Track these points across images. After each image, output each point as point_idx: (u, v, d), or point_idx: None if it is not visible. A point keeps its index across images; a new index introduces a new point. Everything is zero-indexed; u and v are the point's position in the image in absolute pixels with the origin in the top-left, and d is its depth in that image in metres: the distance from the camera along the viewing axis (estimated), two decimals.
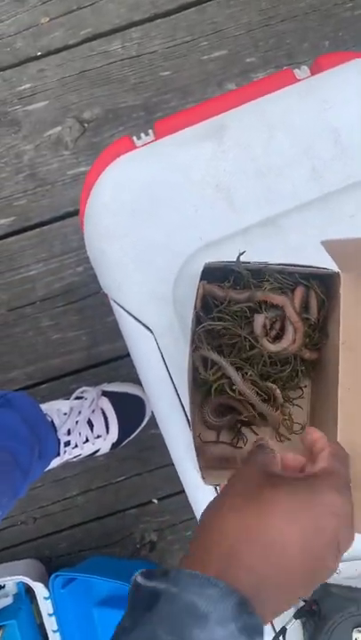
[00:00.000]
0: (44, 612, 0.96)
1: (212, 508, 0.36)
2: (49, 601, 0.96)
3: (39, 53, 1.09)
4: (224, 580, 0.30)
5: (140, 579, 0.32)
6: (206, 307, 0.53)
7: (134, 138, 0.61)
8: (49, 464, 0.99)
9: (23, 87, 1.09)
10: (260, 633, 0.31)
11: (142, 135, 0.62)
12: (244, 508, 0.34)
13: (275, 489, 0.35)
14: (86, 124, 1.10)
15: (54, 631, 0.96)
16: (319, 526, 0.34)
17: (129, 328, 0.58)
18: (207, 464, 0.57)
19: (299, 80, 0.60)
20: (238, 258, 0.49)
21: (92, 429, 1.03)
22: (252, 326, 0.51)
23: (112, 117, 1.09)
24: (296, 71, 0.62)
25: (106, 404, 1.05)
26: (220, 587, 0.30)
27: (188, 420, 0.58)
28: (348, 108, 0.55)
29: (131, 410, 1.07)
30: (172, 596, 0.30)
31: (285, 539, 0.33)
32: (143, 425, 1.08)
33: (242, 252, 0.48)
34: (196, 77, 1.09)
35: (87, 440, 1.02)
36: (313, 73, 0.61)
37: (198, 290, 0.50)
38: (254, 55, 1.09)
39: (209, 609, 0.29)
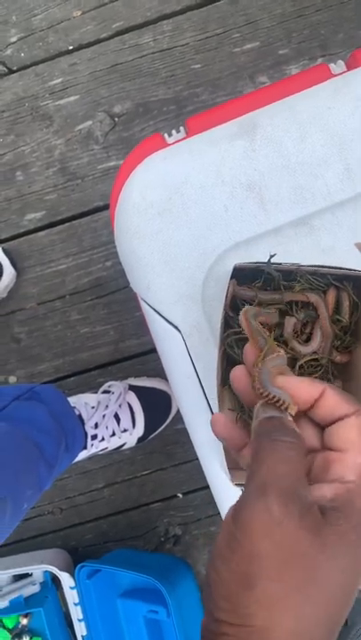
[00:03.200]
0: (70, 602, 0.98)
1: (239, 598, 0.24)
2: (74, 591, 0.98)
3: (71, 47, 1.09)
4: None
5: None
6: (235, 307, 0.52)
7: (165, 135, 0.61)
8: (76, 457, 1.00)
9: (55, 82, 1.09)
10: None
11: (173, 132, 0.61)
12: (301, 606, 0.24)
13: (330, 562, 0.24)
14: (117, 119, 1.09)
15: (80, 620, 0.98)
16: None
17: (157, 327, 0.58)
18: (234, 464, 0.57)
19: (334, 75, 0.59)
20: (269, 259, 0.48)
21: (118, 423, 1.04)
22: (283, 328, 0.50)
23: (142, 111, 1.09)
24: (332, 66, 0.60)
25: (133, 399, 1.06)
26: None
27: None
28: None
29: (157, 405, 1.08)
30: None
31: (340, 621, 0.25)
32: (169, 420, 1.08)
33: (273, 254, 0.48)
34: (228, 70, 1.08)
35: (114, 434, 1.03)
36: (349, 67, 0.60)
37: (228, 290, 0.50)
38: (287, 47, 1.07)
39: None
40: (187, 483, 1.14)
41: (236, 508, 0.25)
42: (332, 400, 0.29)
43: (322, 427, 0.30)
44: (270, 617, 0.24)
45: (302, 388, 0.29)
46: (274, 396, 0.29)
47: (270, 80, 1.08)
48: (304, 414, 0.31)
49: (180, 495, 1.14)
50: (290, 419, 0.28)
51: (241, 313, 0.37)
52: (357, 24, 1.06)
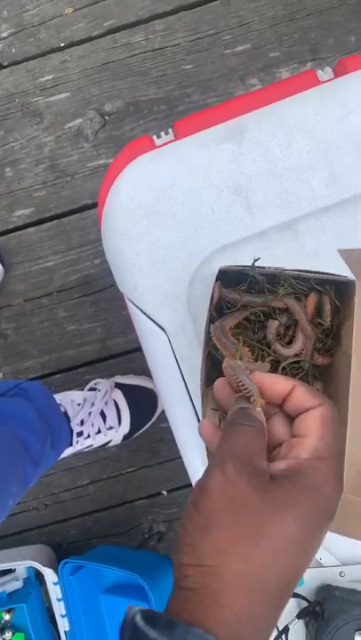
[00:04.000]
0: (53, 597, 0.98)
1: (195, 539, 0.29)
2: (58, 586, 0.99)
3: (62, 44, 1.09)
4: None
5: (139, 620, 0.28)
6: (220, 309, 0.53)
7: (154, 137, 0.61)
8: (61, 454, 1.00)
9: (45, 78, 1.09)
10: None
11: (162, 134, 0.62)
12: (250, 554, 0.28)
13: (280, 518, 0.28)
14: (107, 117, 1.10)
15: (62, 616, 0.99)
16: (321, 537, 0.30)
17: (143, 327, 0.58)
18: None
19: (321, 82, 0.60)
20: (253, 263, 0.49)
21: (104, 421, 1.04)
22: (266, 331, 0.51)
23: (133, 110, 1.09)
24: (319, 72, 0.61)
25: (119, 396, 1.07)
26: None
27: (198, 418, 0.58)
28: None
29: (143, 402, 1.08)
30: None
31: (292, 577, 0.29)
32: (155, 418, 1.09)
33: (257, 258, 0.49)
34: (219, 72, 1.08)
35: (99, 431, 1.04)
36: (337, 74, 0.61)
37: (213, 292, 0.51)
38: (278, 50, 1.08)
39: None
40: (171, 480, 1.15)
41: (202, 477, 0.31)
42: (300, 394, 0.34)
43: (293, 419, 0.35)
44: (222, 558, 0.28)
45: (276, 384, 0.35)
46: (243, 384, 0.34)
47: (261, 82, 1.08)
48: (280, 409, 0.36)
49: (165, 492, 1.15)
50: (258, 409, 0.34)
51: (212, 332, 0.40)
52: (347, 29, 1.08)
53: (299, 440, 0.32)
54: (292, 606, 0.59)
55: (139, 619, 0.28)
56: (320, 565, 0.58)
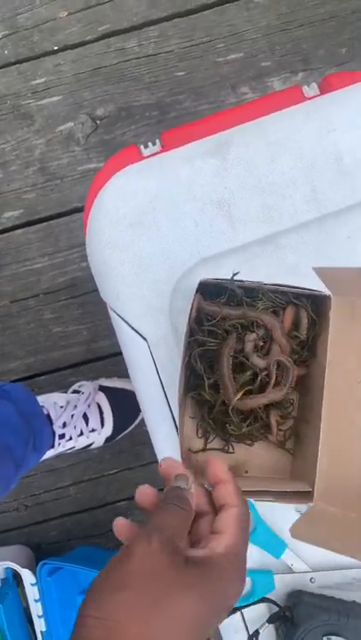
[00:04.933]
0: (30, 598, 0.99)
1: (106, 596, 0.31)
2: (35, 587, 0.99)
3: (56, 48, 1.10)
4: None
5: None
6: (200, 321, 0.54)
7: (141, 147, 0.62)
8: (43, 455, 1.01)
9: (38, 81, 1.10)
10: None
11: (150, 144, 0.63)
12: (150, 619, 0.31)
13: (185, 595, 0.32)
14: (99, 121, 1.10)
15: (39, 616, 0.99)
16: (216, 619, 0.34)
17: (125, 336, 0.59)
18: (195, 472, 0.59)
19: (307, 98, 0.61)
20: (232, 277, 0.50)
21: (87, 423, 1.05)
22: (243, 343, 0.52)
23: (125, 115, 1.10)
24: (305, 88, 0.62)
25: (102, 399, 1.07)
26: None
27: (176, 426, 0.59)
28: (353, 132, 0.56)
29: (126, 406, 1.09)
30: None
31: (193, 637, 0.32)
32: (138, 420, 1.10)
33: (236, 272, 0.50)
34: (211, 79, 1.09)
35: (82, 433, 1.05)
36: (322, 91, 0.62)
37: (193, 304, 0.52)
38: (270, 59, 1.09)
39: None
40: (154, 483, 1.15)
41: (131, 541, 0.34)
42: (229, 489, 0.39)
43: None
44: (124, 617, 0.31)
45: (217, 467, 0.40)
46: (184, 474, 0.40)
47: (252, 91, 1.10)
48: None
49: None
50: (192, 491, 0.38)
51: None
52: (338, 41, 1.09)
53: (217, 536, 0.37)
54: (262, 611, 0.60)
55: None
56: (291, 571, 0.60)
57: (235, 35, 1.09)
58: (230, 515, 0.37)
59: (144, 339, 0.58)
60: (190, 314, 0.51)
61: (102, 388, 1.09)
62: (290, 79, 1.11)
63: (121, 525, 0.38)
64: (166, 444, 0.59)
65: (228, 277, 0.51)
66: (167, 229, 0.56)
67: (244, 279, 0.51)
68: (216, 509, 0.39)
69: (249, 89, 1.10)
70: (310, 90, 0.62)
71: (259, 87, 1.10)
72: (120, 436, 1.10)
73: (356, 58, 1.10)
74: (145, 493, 0.39)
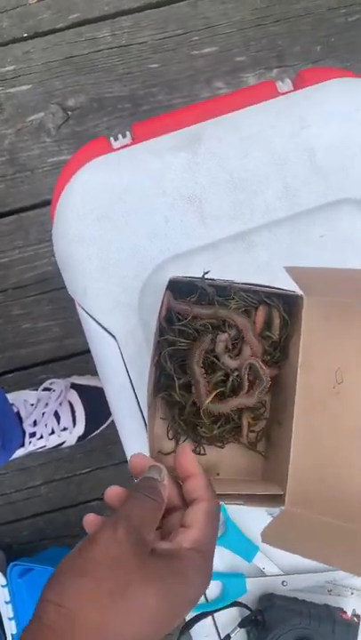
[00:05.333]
0: (1, 600, 0.96)
1: (67, 581, 0.31)
2: (6, 589, 0.97)
3: (25, 35, 1.06)
4: None
5: None
6: (171, 320, 0.53)
7: (111, 139, 0.60)
8: (12, 454, 0.98)
9: (7, 69, 1.06)
10: None
11: (120, 136, 0.61)
12: (109, 607, 0.30)
13: (146, 587, 0.31)
14: (70, 112, 1.08)
15: (10, 618, 0.97)
16: (178, 614, 0.33)
17: (93, 333, 0.57)
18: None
19: (280, 94, 0.60)
20: (203, 276, 0.48)
21: (58, 422, 1.03)
22: (215, 343, 0.51)
23: (97, 107, 1.08)
24: (279, 84, 0.61)
25: (74, 397, 1.05)
26: None
27: (145, 425, 0.58)
28: (326, 128, 0.55)
29: (99, 404, 1.07)
30: None
31: (152, 632, 0.32)
32: (111, 419, 1.08)
33: (206, 271, 0.48)
34: (185, 72, 1.07)
35: (53, 432, 1.02)
36: (296, 87, 0.61)
37: (162, 301, 0.50)
38: (245, 54, 1.08)
39: None
40: (126, 482, 1.14)
41: (96, 529, 0.34)
42: (198, 483, 0.38)
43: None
44: (82, 605, 0.30)
45: (187, 463, 0.39)
46: (158, 466, 0.39)
47: (227, 86, 1.08)
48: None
49: None
50: (165, 483, 0.38)
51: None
52: (314, 38, 1.08)
53: (185, 530, 0.36)
54: (234, 615, 0.59)
55: None
56: (263, 575, 0.59)
57: (209, 28, 1.08)
58: (199, 509, 0.37)
59: (112, 336, 0.56)
60: (160, 312, 0.50)
61: (74, 386, 1.07)
62: (265, 75, 1.09)
63: (90, 521, 0.36)
64: (136, 444, 0.58)
65: (199, 275, 0.50)
66: (136, 224, 0.55)
67: (215, 277, 0.50)
68: (187, 504, 0.38)
69: (224, 84, 1.09)
70: (284, 85, 0.61)
71: (233, 82, 1.09)
72: (92, 435, 1.08)
73: (331, 55, 1.10)
74: (115, 493, 0.38)
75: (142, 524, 0.34)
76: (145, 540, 0.33)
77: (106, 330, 0.57)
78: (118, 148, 0.58)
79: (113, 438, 1.12)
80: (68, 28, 1.06)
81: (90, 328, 0.57)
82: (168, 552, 0.34)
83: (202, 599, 0.59)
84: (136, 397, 0.58)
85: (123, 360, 0.57)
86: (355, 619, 0.57)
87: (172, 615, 0.32)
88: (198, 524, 0.36)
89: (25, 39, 1.06)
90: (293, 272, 0.46)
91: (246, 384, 0.52)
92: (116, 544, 0.32)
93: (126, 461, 1.15)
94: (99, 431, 1.08)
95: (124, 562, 0.32)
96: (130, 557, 0.32)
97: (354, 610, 0.57)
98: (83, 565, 0.31)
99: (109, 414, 1.08)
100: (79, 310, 0.58)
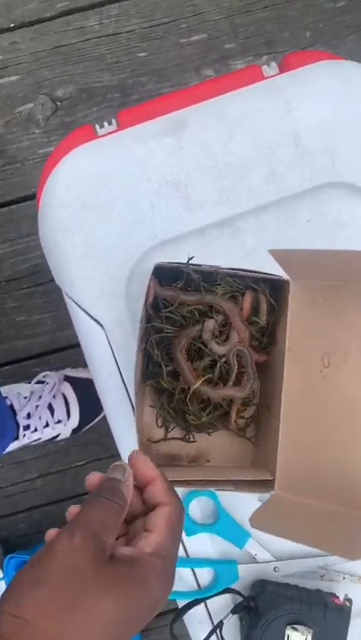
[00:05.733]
0: None
1: (25, 593, 0.30)
2: (3, 582, 0.97)
3: (12, 25, 1.05)
4: None
5: None
6: (157, 307, 0.52)
7: (97, 126, 0.60)
8: (7, 447, 0.98)
9: None
10: None
11: (105, 124, 0.60)
12: (65, 619, 0.30)
13: (104, 594, 0.31)
14: (59, 103, 1.07)
15: None
16: (137, 620, 0.32)
17: (80, 323, 0.57)
18: (155, 462, 0.57)
19: (266, 77, 0.59)
20: (188, 262, 0.48)
21: (52, 414, 1.02)
22: (202, 329, 0.51)
23: (86, 97, 1.07)
24: (264, 68, 0.61)
25: (68, 390, 1.05)
26: None
27: (134, 414, 0.58)
28: (311, 112, 0.55)
29: (92, 396, 1.06)
30: None
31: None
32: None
33: (191, 256, 0.48)
34: (174, 61, 1.07)
35: (47, 425, 1.02)
36: (281, 71, 0.60)
37: (149, 288, 0.50)
38: (234, 41, 1.07)
39: None
40: None
41: (54, 536, 0.33)
42: (159, 487, 0.37)
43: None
44: (39, 616, 0.30)
45: (146, 468, 0.38)
46: (121, 465, 0.38)
47: (216, 74, 1.07)
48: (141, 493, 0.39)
49: None
50: (128, 484, 0.36)
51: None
52: (303, 24, 1.07)
53: (147, 534, 0.35)
54: (226, 601, 0.59)
55: None
56: (255, 561, 0.59)
57: (197, 15, 1.07)
58: (160, 513, 0.36)
59: (100, 325, 0.56)
60: (146, 299, 0.50)
61: (68, 379, 1.07)
62: (254, 62, 1.09)
63: (50, 535, 0.35)
64: (127, 433, 0.57)
65: (184, 262, 0.49)
66: (121, 211, 0.54)
67: (201, 263, 0.50)
68: (151, 509, 0.38)
69: (213, 71, 1.08)
70: (270, 69, 0.60)
71: (223, 69, 1.08)
72: (87, 428, 1.08)
73: (320, 41, 1.09)
74: (93, 479, 0.37)
75: (102, 530, 0.33)
76: (104, 546, 0.33)
77: (93, 318, 0.57)
78: (103, 135, 0.58)
79: (108, 430, 1.11)
80: (56, 17, 1.05)
81: (77, 317, 0.57)
82: (128, 558, 0.33)
83: (194, 586, 0.59)
84: (125, 386, 0.58)
85: (111, 348, 0.57)
86: (347, 603, 0.57)
87: (131, 622, 0.32)
88: (159, 527, 0.35)
89: (12, 29, 1.05)
90: (278, 255, 0.46)
91: (235, 370, 0.52)
92: (73, 552, 0.31)
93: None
94: (93, 423, 1.08)
95: (80, 570, 0.31)
96: (87, 565, 0.31)
97: (346, 594, 0.57)
98: (38, 575, 0.31)
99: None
100: (66, 299, 0.58)
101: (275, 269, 0.51)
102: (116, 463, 0.38)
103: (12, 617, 0.29)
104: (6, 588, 0.31)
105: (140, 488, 0.39)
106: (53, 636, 0.29)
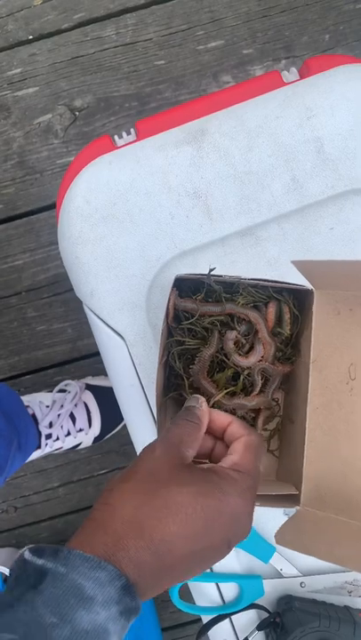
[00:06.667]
0: None
1: (115, 486, 0.36)
2: None
3: (31, 37, 1.06)
4: (112, 562, 0.32)
5: (27, 554, 0.32)
6: (177, 318, 0.52)
7: (115, 137, 0.60)
8: (29, 456, 0.98)
9: (13, 72, 1.06)
10: (137, 613, 0.33)
11: (124, 134, 0.60)
12: (144, 503, 0.34)
13: (180, 488, 0.35)
14: (77, 113, 1.07)
15: None
16: (215, 527, 0.35)
17: (101, 334, 0.57)
18: None
19: (286, 84, 0.58)
20: (209, 272, 0.47)
21: (74, 423, 1.03)
22: (224, 341, 0.50)
23: (104, 106, 1.07)
24: (284, 73, 0.60)
25: (89, 398, 1.05)
26: (109, 570, 0.31)
27: (157, 427, 0.57)
28: (333, 117, 0.54)
29: (114, 405, 1.06)
30: (60, 575, 0.31)
31: (176, 542, 0.34)
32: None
33: (212, 267, 0.47)
34: (191, 68, 1.06)
35: (69, 433, 1.02)
36: (301, 76, 0.59)
37: (169, 300, 0.49)
38: (252, 47, 1.06)
39: (95, 592, 0.31)
40: None
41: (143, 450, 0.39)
42: (235, 427, 0.42)
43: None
44: (122, 501, 0.35)
45: (219, 416, 0.43)
46: (196, 396, 0.43)
47: (234, 80, 1.07)
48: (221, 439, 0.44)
49: None
50: (203, 408, 0.42)
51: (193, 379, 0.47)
52: (322, 27, 1.06)
53: (225, 457, 0.40)
54: (252, 617, 0.58)
55: (27, 553, 0.32)
56: (281, 576, 0.58)
57: (214, 22, 1.06)
58: (238, 442, 0.40)
59: (121, 337, 0.55)
60: (167, 312, 0.49)
61: (89, 387, 1.07)
62: (273, 67, 1.08)
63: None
64: (146, 444, 0.57)
65: (206, 272, 0.49)
66: (142, 222, 0.54)
67: (222, 274, 0.49)
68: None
69: (231, 77, 1.07)
70: (290, 75, 0.59)
71: (241, 75, 1.07)
72: (108, 436, 1.07)
73: (340, 44, 1.07)
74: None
75: (180, 442, 0.38)
76: (181, 454, 0.37)
77: (114, 330, 0.56)
78: (122, 146, 0.58)
79: (129, 439, 1.11)
80: (74, 28, 1.06)
81: (98, 329, 0.57)
82: (206, 467, 0.38)
83: (219, 601, 0.58)
84: (146, 398, 0.57)
85: (132, 361, 0.56)
86: None
87: (207, 529, 0.34)
88: (238, 450, 0.40)
89: (30, 41, 1.06)
90: (302, 266, 0.45)
91: (259, 386, 0.51)
92: (154, 459, 0.37)
93: None
94: (115, 432, 1.07)
95: (160, 471, 0.36)
96: (166, 467, 0.36)
97: None
98: (126, 475, 0.37)
99: None
100: (87, 311, 0.58)
101: (298, 279, 0.50)
102: (192, 396, 0.43)
103: (102, 504, 0.35)
104: (103, 489, 0.37)
105: (220, 438, 0.43)
106: (131, 517, 0.34)
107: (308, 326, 0.49)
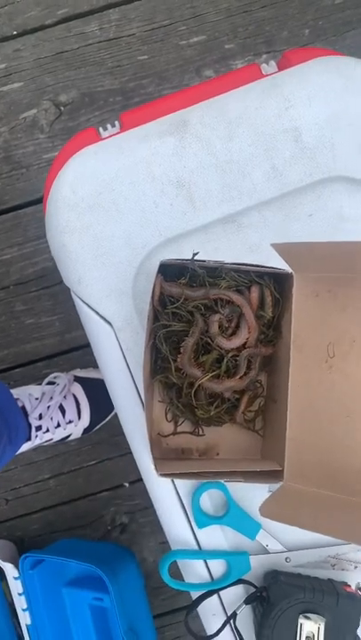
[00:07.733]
0: (14, 592, 0.98)
1: None
2: (19, 581, 0.98)
3: (15, 32, 1.07)
4: None
5: None
6: (163, 303, 0.53)
7: (100, 129, 0.61)
8: (19, 448, 0.99)
9: None
10: None
11: (108, 126, 0.61)
12: None
13: None
14: (62, 108, 1.08)
15: (24, 610, 0.99)
16: None
17: (89, 321, 0.58)
18: (163, 455, 0.58)
19: (264, 75, 0.60)
20: (193, 257, 0.49)
21: (63, 415, 1.04)
22: (208, 324, 0.52)
23: (88, 101, 1.08)
24: (263, 66, 0.62)
25: (78, 390, 1.06)
26: None
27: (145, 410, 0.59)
28: (310, 107, 0.56)
29: (103, 396, 1.07)
30: None
31: None
32: (115, 411, 1.09)
33: (196, 252, 0.49)
34: (174, 63, 1.08)
35: (59, 425, 1.03)
36: (280, 68, 0.61)
37: (155, 285, 0.51)
38: (233, 42, 1.08)
39: None
40: (134, 472, 1.15)
41: None
42: None
43: None
44: None
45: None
46: None
47: (216, 74, 1.08)
48: None
49: (127, 484, 1.16)
50: None
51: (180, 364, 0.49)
52: (301, 22, 1.08)
53: None
54: (239, 592, 0.60)
55: None
56: (267, 552, 0.60)
57: (196, 17, 1.08)
58: None
59: (109, 323, 0.57)
60: (152, 296, 0.51)
61: (78, 379, 1.08)
62: (254, 61, 1.10)
63: None
64: (137, 428, 0.59)
65: (188, 258, 0.50)
66: (127, 211, 0.55)
67: (205, 259, 0.51)
68: None
69: (213, 72, 1.09)
70: (269, 67, 0.61)
71: (223, 70, 1.09)
72: (97, 427, 1.09)
73: (319, 39, 1.09)
74: None
75: None
76: None
77: (102, 317, 0.58)
78: (107, 137, 0.59)
79: (119, 429, 1.12)
80: (57, 23, 1.07)
81: (86, 316, 0.58)
82: None
83: (207, 577, 0.60)
84: (134, 382, 0.59)
85: (119, 346, 0.58)
86: (359, 591, 0.58)
87: None
88: None
89: (15, 37, 1.07)
90: (281, 248, 0.47)
91: (243, 369, 0.52)
92: None
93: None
94: (104, 423, 1.09)
95: None
96: None
97: (358, 583, 0.58)
98: None
99: (113, 406, 1.10)
100: (75, 299, 0.59)
101: (278, 264, 0.52)
102: None
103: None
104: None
105: None
106: None
107: (288, 308, 0.52)
